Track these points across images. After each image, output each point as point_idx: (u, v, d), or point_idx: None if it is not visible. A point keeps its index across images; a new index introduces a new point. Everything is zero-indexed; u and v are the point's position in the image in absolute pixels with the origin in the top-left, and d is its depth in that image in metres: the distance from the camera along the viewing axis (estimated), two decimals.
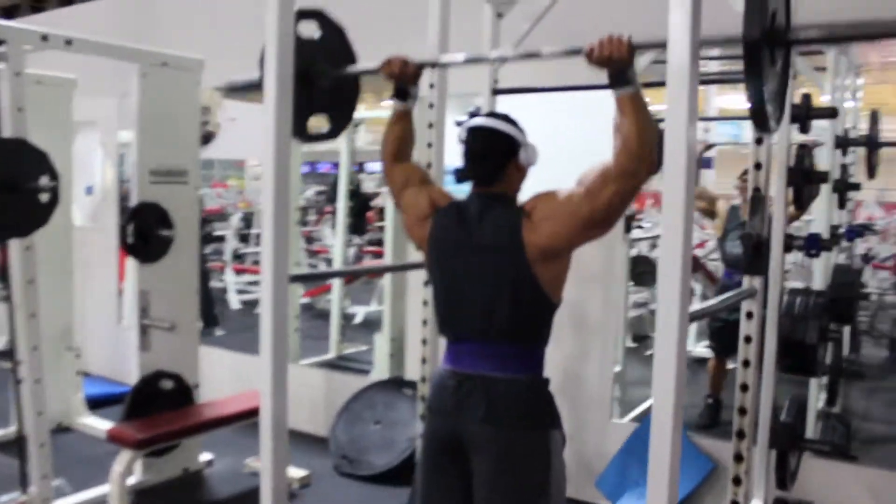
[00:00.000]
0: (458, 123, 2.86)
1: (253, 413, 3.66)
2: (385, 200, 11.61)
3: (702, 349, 6.37)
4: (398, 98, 2.27)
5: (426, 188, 2.19)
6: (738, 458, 2.27)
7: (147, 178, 3.72)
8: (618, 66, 1.78)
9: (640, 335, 6.49)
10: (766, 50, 1.48)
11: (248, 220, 10.23)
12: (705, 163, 7.22)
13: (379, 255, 9.95)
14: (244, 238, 10.07)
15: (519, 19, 2.97)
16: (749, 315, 2.30)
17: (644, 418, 3.53)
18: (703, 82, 2.95)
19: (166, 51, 3.82)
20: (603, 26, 1.89)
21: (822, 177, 2.53)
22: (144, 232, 3.67)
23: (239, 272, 8.85)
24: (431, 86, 2.80)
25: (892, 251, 8.15)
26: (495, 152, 2.01)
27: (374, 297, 7.95)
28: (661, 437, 1.62)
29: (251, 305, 8.21)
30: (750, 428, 2.26)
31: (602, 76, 1.80)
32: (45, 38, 3.33)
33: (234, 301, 8.23)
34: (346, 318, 6.38)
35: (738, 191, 4.92)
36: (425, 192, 2.16)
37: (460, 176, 2.07)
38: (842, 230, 4.45)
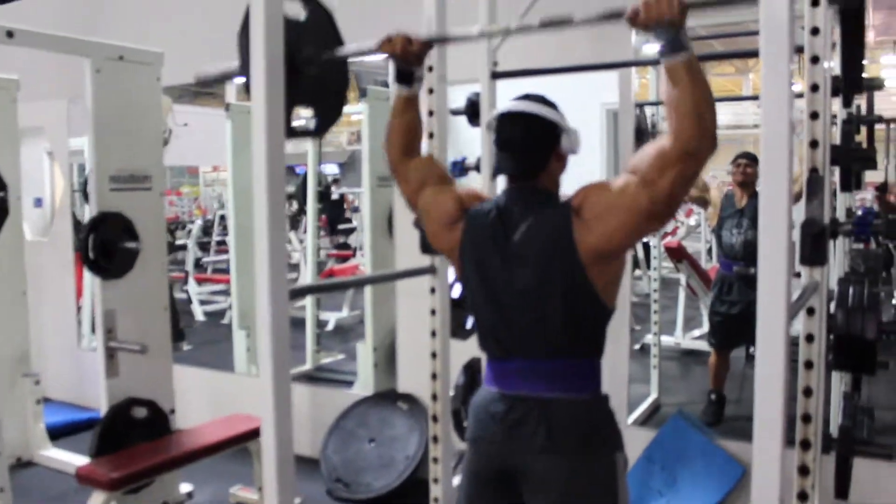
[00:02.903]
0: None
1: (238, 440, 3.35)
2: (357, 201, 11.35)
3: (690, 341, 6.20)
4: (402, 82, 1.97)
5: (448, 187, 1.92)
6: (804, 470, 2.03)
7: (107, 184, 3.36)
8: (669, 28, 1.51)
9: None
10: None
11: (206, 228, 9.84)
12: None
13: (345, 258, 9.63)
14: (203, 246, 9.67)
15: None
16: (810, 311, 2.05)
17: (665, 424, 3.28)
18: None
19: (122, 43, 3.47)
20: None
21: (870, 156, 2.30)
22: (107, 245, 3.30)
23: (201, 282, 8.44)
24: (430, 68, 2.50)
25: None
26: (536, 142, 1.77)
27: (345, 303, 7.61)
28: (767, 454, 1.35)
29: (216, 316, 7.84)
30: (817, 437, 2.03)
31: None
32: None
33: (199, 312, 7.84)
34: (319, 324, 6.04)
35: (731, 176, 4.73)
36: (449, 193, 1.89)
37: (495, 171, 1.82)
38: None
